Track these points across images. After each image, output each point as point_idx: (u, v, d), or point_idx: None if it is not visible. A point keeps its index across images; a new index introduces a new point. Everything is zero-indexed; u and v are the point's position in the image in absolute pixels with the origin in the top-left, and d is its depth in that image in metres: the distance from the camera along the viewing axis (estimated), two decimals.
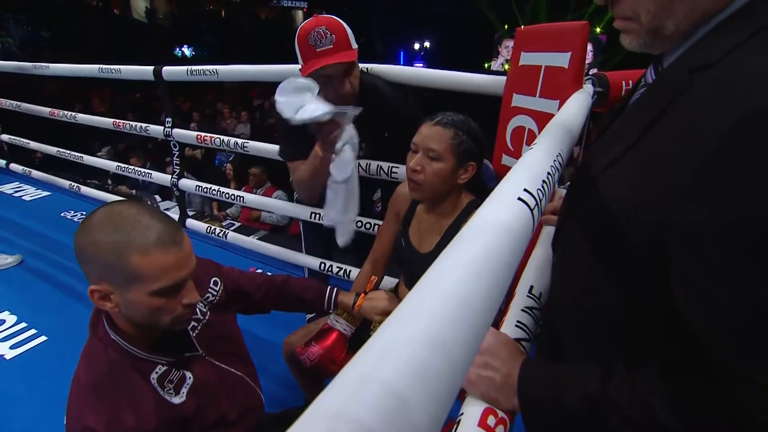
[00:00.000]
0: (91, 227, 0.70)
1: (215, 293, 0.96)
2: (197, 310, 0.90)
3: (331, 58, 1.20)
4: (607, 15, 9.57)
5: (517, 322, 0.62)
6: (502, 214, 0.38)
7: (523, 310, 0.64)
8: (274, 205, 2.04)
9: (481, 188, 1.16)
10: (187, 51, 13.91)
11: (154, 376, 0.78)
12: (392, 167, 1.48)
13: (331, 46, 1.20)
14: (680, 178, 0.39)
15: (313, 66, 1.20)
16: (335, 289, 1.16)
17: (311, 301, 1.14)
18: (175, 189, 2.32)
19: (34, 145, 3.04)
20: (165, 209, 3.18)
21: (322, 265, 1.73)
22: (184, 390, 0.81)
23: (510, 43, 11.22)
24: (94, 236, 0.69)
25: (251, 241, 2.11)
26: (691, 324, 0.41)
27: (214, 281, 0.97)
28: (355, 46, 1.26)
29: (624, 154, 0.47)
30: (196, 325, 0.89)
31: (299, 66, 1.26)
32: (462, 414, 0.49)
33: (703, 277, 0.39)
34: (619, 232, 0.46)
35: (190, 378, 0.83)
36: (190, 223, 2.41)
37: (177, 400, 0.79)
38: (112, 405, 0.72)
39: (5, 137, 3.20)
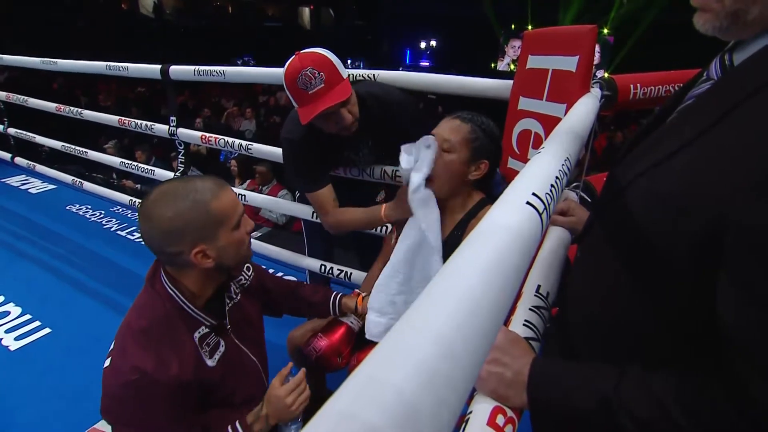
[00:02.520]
0: (163, 209, 0.76)
1: (247, 277, 1.05)
2: (231, 289, 0.96)
3: (325, 101, 1.16)
4: (611, 15, 9.52)
5: (525, 320, 0.61)
6: (511, 218, 0.38)
7: (530, 309, 0.64)
8: (276, 204, 2.03)
9: (489, 192, 1.16)
10: None
11: (197, 335, 0.84)
12: (395, 171, 1.48)
13: (323, 85, 1.15)
14: (753, 174, 0.37)
15: (311, 113, 1.16)
16: (339, 294, 1.20)
17: (319, 304, 1.19)
18: None
19: (39, 139, 3.05)
20: None
21: (323, 267, 1.73)
22: (217, 356, 0.87)
23: (516, 43, 11.22)
24: (174, 211, 0.76)
25: (252, 242, 2.11)
26: (728, 328, 0.39)
27: (246, 266, 1.06)
28: (345, 74, 1.22)
29: (680, 150, 0.44)
30: (228, 302, 0.95)
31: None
32: (471, 412, 0.48)
33: (758, 277, 0.37)
34: (658, 232, 0.44)
35: (222, 347, 0.89)
36: None
37: (210, 363, 0.85)
38: (160, 349, 0.78)
39: (12, 131, 3.22)
